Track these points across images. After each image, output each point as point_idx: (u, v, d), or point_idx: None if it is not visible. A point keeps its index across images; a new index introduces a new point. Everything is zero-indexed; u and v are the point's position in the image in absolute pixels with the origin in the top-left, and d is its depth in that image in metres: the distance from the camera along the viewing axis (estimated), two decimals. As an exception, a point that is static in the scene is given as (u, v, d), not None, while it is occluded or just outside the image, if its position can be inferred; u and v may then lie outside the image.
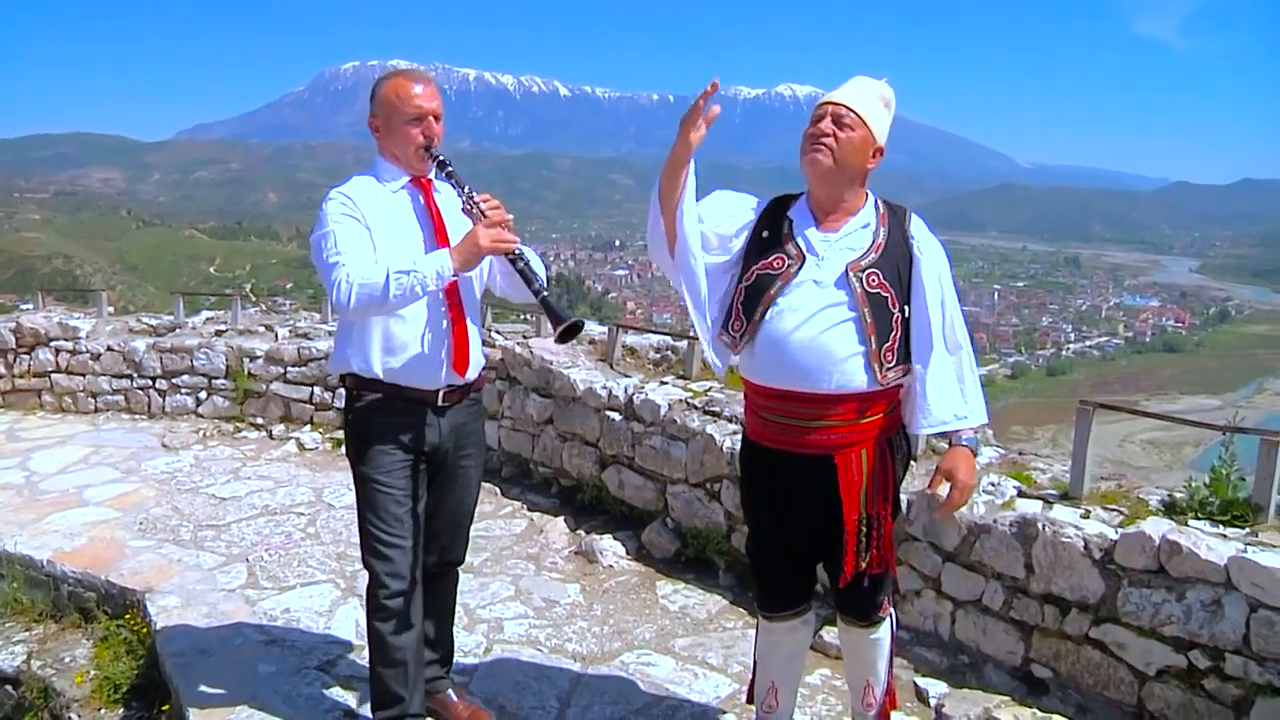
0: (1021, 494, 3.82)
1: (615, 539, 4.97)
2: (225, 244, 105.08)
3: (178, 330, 8.20)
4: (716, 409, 4.87)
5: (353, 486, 2.96)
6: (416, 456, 2.92)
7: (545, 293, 2.73)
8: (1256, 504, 3.38)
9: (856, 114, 2.55)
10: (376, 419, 2.88)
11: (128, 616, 4.29)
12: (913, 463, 4.09)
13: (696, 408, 4.96)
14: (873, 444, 2.61)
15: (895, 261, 2.59)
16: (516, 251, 2.73)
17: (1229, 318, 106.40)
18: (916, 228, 2.67)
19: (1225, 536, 3.25)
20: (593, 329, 6.72)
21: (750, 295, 2.61)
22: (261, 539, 5.08)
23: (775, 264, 2.60)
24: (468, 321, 2.94)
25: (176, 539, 5.09)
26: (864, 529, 2.60)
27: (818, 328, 2.52)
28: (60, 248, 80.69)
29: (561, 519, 5.36)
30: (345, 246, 2.67)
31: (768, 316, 2.57)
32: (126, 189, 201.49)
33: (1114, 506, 3.60)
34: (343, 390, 2.98)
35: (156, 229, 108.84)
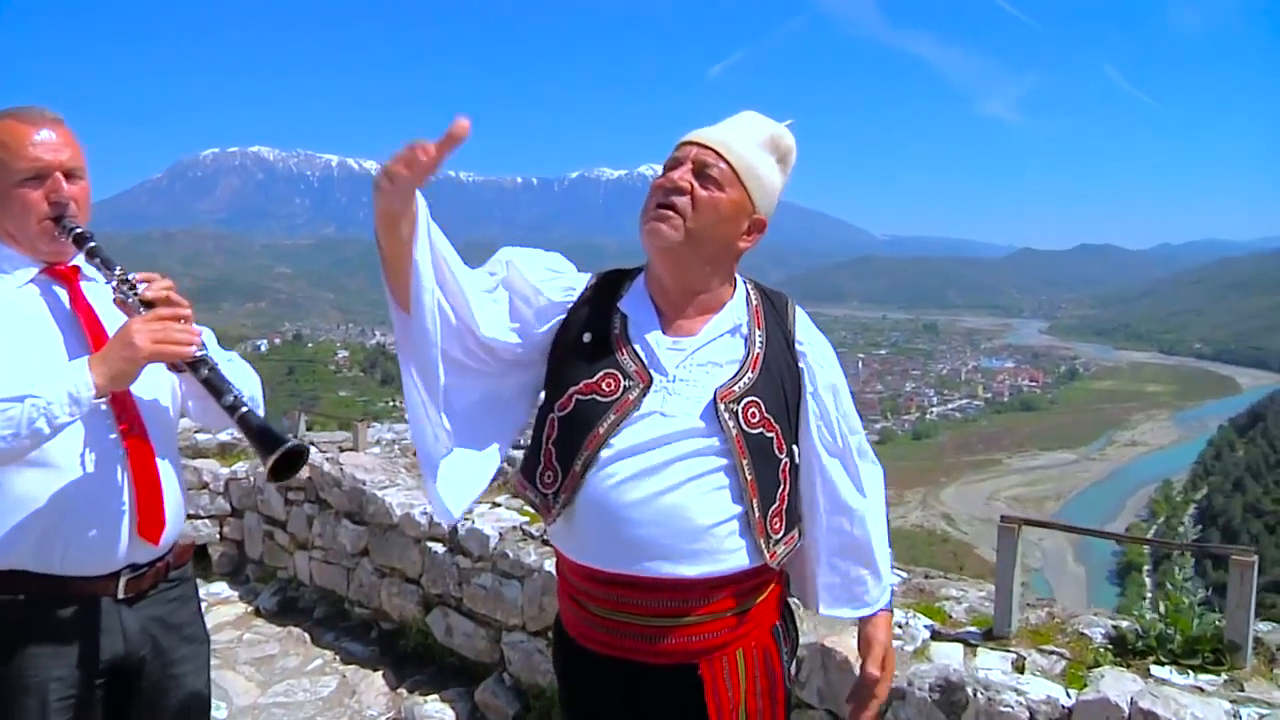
0: (935, 634, 3.04)
1: (443, 701, 4.00)
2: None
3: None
4: (559, 536, 3.98)
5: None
6: (89, 678, 1.92)
7: (245, 408, 1.81)
8: (1231, 641, 2.67)
9: (728, 165, 1.68)
10: (18, 634, 1.86)
11: None
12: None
13: (534, 537, 4.05)
14: (753, 641, 1.75)
15: (779, 382, 1.75)
16: (195, 355, 1.82)
17: (1078, 375, 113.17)
18: (803, 328, 1.84)
19: (1202, 690, 2.53)
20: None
21: (568, 432, 1.71)
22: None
23: (605, 386, 1.69)
24: (157, 460, 1.97)
25: None
26: None
27: (671, 483, 1.65)
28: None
29: (380, 674, 4.35)
30: None
31: (595, 466, 1.67)
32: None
33: (1050, 648, 2.87)
34: None
35: None
